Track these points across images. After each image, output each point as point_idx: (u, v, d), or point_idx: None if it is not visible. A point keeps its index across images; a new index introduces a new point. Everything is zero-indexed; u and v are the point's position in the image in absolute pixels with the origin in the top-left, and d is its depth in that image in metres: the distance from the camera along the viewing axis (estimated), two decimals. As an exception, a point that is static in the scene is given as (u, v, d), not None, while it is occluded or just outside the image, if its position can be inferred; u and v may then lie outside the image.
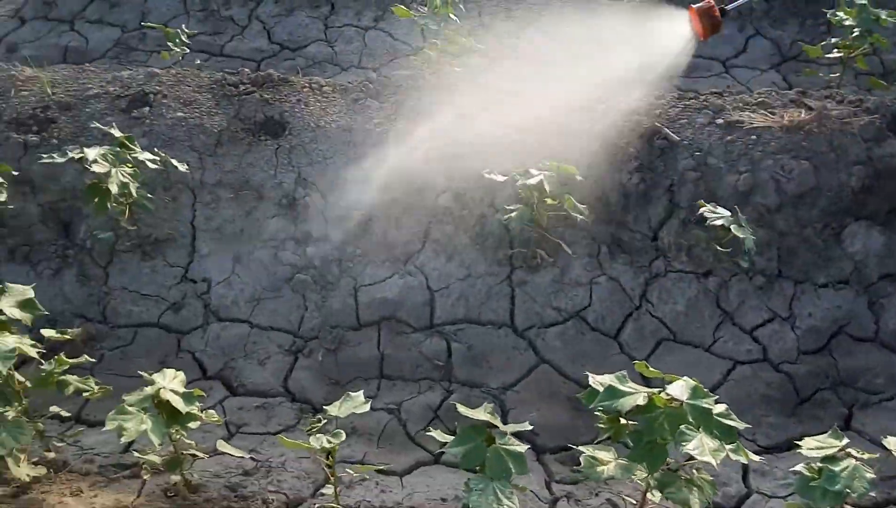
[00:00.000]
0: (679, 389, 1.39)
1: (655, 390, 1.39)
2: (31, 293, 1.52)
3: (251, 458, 1.89)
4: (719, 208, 2.25)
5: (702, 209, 2.25)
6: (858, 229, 2.41)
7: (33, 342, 1.49)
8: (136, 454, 1.75)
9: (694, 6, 2.43)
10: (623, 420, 1.47)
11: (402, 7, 3.17)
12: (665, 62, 2.66)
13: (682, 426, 1.33)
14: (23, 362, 1.70)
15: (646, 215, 2.50)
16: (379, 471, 1.84)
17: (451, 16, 3.18)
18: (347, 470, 1.73)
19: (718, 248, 2.29)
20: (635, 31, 2.65)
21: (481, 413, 1.51)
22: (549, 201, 2.32)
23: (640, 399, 1.37)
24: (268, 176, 2.55)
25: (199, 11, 4.07)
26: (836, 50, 3.13)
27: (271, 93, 2.76)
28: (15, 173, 2.30)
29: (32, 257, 2.38)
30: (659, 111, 2.70)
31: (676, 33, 2.54)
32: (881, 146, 2.47)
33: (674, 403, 1.37)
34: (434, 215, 2.52)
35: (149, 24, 3.44)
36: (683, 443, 1.31)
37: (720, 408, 1.38)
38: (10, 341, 1.38)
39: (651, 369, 1.51)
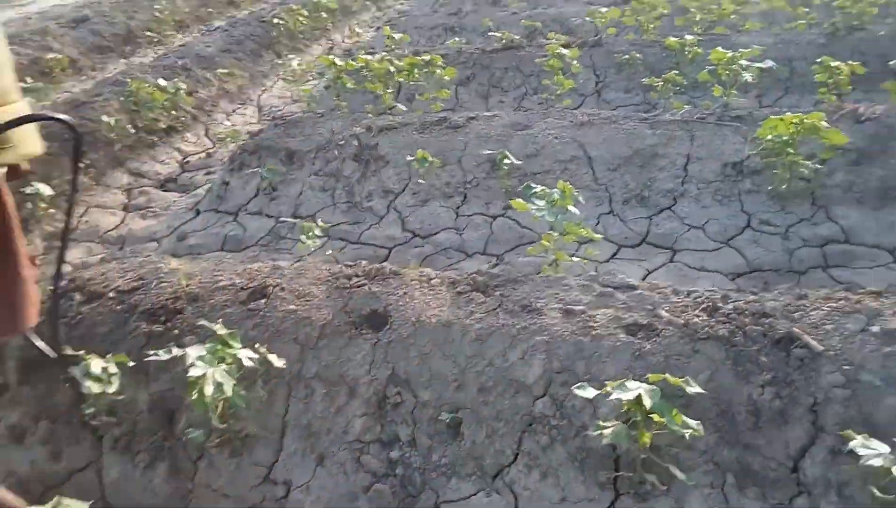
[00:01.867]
0: None
1: None
2: (82, 508, 1.50)
3: None
4: (874, 440, 1.81)
5: (850, 444, 1.82)
6: None
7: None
8: None
9: None
10: None
11: (521, 201, 3.17)
12: None
13: None
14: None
15: (782, 440, 2.08)
16: None
17: (571, 207, 3.13)
18: None
19: (876, 493, 1.81)
20: None
21: None
22: (655, 417, 2.01)
23: None
24: (362, 372, 2.50)
25: (344, 203, 4.40)
26: None
27: (380, 285, 2.79)
28: (131, 364, 2.46)
29: (133, 446, 2.46)
30: (798, 313, 2.34)
31: None
32: None
33: None
34: (530, 424, 2.29)
35: (288, 219, 3.73)
36: None
37: None
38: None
39: None
